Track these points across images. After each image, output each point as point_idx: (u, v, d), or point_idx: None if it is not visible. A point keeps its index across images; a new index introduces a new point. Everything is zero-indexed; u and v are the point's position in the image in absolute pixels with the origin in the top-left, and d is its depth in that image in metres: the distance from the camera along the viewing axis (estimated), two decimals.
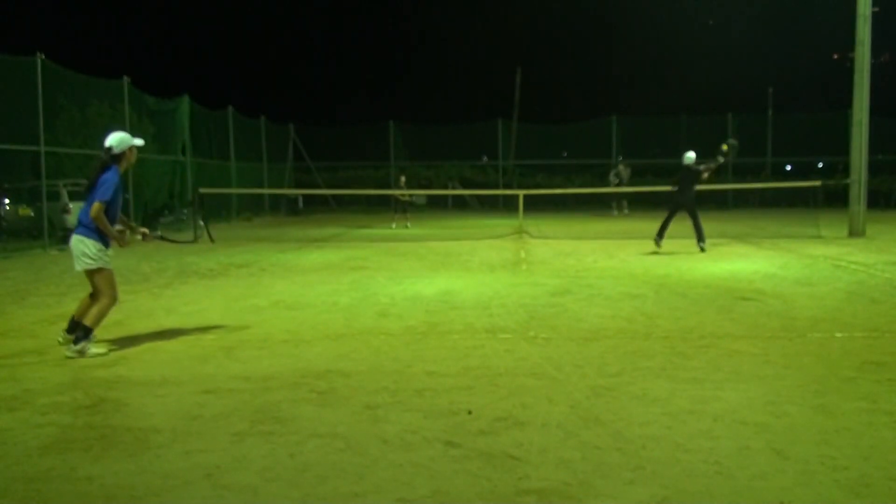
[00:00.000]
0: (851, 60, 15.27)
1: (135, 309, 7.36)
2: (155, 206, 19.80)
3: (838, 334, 5.77)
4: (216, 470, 3.21)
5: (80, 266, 5.44)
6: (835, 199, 26.02)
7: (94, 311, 5.40)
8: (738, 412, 3.89)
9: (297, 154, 30.13)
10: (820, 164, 30.84)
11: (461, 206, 30.54)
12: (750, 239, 14.70)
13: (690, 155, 12.14)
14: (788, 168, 31.59)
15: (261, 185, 27.10)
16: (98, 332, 6.20)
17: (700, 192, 12.61)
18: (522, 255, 12.22)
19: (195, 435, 3.65)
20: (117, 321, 6.68)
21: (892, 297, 7.50)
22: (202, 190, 18.50)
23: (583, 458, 3.28)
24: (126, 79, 17.83)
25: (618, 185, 23.87)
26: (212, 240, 15.81)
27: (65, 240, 14.86)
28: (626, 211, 24.16)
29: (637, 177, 30.86)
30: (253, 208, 26.75)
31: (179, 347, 5.62)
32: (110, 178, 5.41)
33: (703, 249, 11.94)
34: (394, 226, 19.70)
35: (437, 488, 3.00)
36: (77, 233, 5.44)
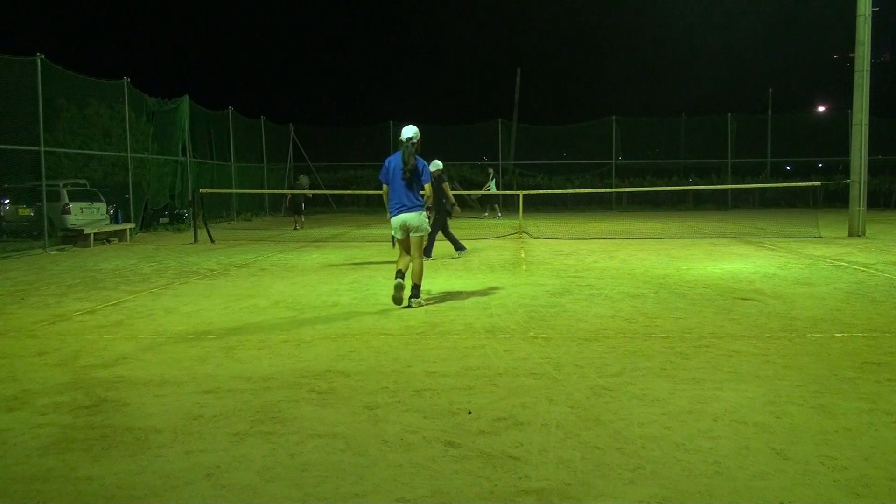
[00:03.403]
0: (851, 60, 15.27)
1: (135, 309, 7.36)
2: (155, 206, 19.82)
3: (838, 334, 5.77)
4: (216, 470, 3.21)
5: (419, 233, 7.24)
6: (835, 199, 26.08)
7: (417, 270, 7.26)
8: (738, 412, 3.89)
9: (297, 154, 30.14)
10: (820, 165, 30.88)
11: (461, 206, 30.58)
12: (749, 239, 14.70)
13: (438, 163, 11.45)
14: (788, 168, 31.62)
15: (261, 186, 27.10)
16: (98, 332, 6.22)
17: (700, 191, 12.56)
18: (522, 255, 12.23)
19: (195, 435, 3.65)
20: (117, 321, 6.69)
21: (892, 297, 7.50)
22: (202, 190, 18.53)
23: (583, 458, 3.28)
24: (126, 79, 17.84)
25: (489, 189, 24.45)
26: (212, 240, 15.83)
27: (65, 240, 14.87)
28: (498, 214, 24.64)
29: (637, 177, 30.94)
30: (253, 208, 26.76)
31: (179, 347, 5.62)
32: (427, 165, 7.45)
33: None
34: (296, 227, 19.82)
35: (437, 488, 2.99)
36: (414, 210, 7.22)
